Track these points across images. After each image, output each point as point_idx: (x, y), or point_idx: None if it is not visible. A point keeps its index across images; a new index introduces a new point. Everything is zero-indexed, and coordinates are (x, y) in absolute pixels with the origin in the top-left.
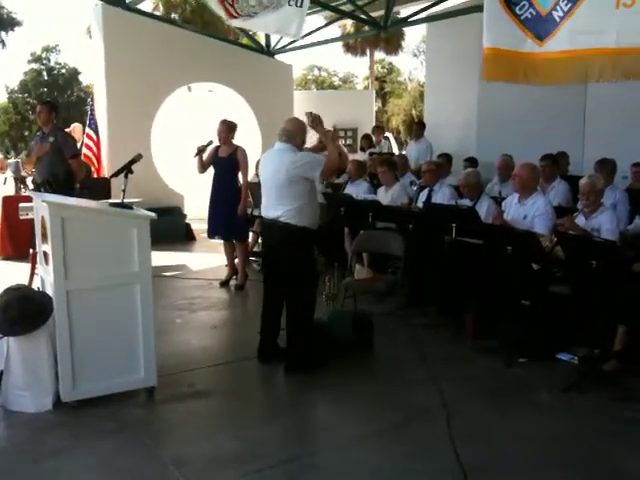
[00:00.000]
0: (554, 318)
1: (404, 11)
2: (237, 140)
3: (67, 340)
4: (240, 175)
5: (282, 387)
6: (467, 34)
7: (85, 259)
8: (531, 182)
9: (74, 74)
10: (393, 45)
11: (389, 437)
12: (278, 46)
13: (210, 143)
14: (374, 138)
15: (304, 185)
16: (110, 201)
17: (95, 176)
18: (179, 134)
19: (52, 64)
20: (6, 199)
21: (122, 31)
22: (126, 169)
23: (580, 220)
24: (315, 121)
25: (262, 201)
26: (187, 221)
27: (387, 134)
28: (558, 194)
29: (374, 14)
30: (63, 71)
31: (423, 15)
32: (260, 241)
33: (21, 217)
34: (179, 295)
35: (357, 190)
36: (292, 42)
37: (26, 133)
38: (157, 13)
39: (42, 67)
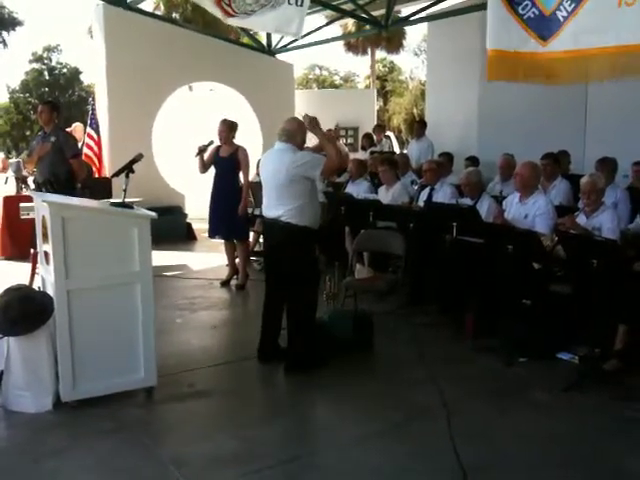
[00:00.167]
0: (555, 317)
1: (405, 10)
2: (238, 139)
3: (67, 340)
4: (241, 175)
5: (282, 387)
6: (468, 33)
7: (86, 259)
8: (532, 181)
9: (75, 74)
10: (394, 44)
11: (389, 437)
12: (279, 45)
13: (211, 143)
14: (375, 137)
15: (305, 185)
16: (111, 201)
17: (96, 176)
18: (180, 133)
19: (53, 64)
20: (7, 199)
21: (123, 31)
22: (127, 169)
23: (581, 219)
24: (312, 123)
25: (263, 201)
26: (188, 221)
27: (388, 133)
28: (559, 193)
29: (375, 13)
30: (64, 71)
31: (424, 14)
32: (261, 241)
33: (22, 217)
34: (180, 295)
35: (358, 189)
36: (293, 41)
37: (27, 133)
38: (158, 13)
39: (43, 67)
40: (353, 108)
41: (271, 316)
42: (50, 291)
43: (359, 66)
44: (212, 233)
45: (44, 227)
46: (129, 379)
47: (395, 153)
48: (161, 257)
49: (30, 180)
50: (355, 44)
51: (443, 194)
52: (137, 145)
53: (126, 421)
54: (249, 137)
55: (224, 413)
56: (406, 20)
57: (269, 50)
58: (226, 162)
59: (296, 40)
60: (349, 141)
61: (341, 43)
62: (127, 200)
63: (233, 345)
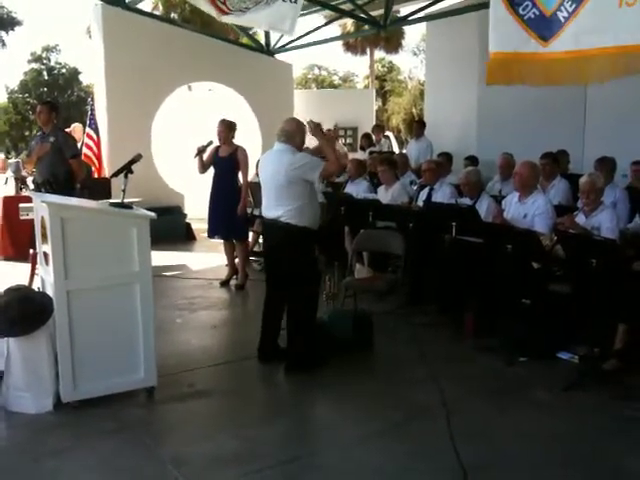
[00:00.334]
0: (554, 317)
1: (404, 10)
2: (237, 139)
3: (67, 340)
4: (240, 175)
5: (282, 387)
6: (467, 33)
7: (85, 259)
8: (531, 180)
9: (74, 74)
10: (393, 44)
11: (390, 436)
12: (278, 45)
13: (210, 143)
14: (374, 137)
15: (304, 186)
16: (110, 201)
17: (95, 176)
18: (179, 134)
19: (52, 64)
20: (6, 199)
21: (122, 31)
22: (126, 169)
23: (580, 219)
24: (317, 129)
25: (262, 201)
26: (187, 221)
27: (387, 133)
28: (558, 193)
29: (374, 13)
30: (63, 71)
31: (422, 14)
32: (260, 241)
33: (21, 217)
34: (179, 295)
35: (357, 189)
36: (292, 41)
37: (26, 133)
38: (157, 13)
39: (42, 67)
40: (352, 108)
41: (271, 316)
42: (49, 291)
43: (358, 66)
44: (211, 233)
45: (43, 227)
46: (129, 379)
47: (394, 153)
48: (160, 257)
49: (29, 180)
50: (354, 44)
51: (442, 194)
52: (136, 145)
53: (127, 421)
54: (248, 137)
55: (224, 413)
56: (405, 20)
57: (268, 50)
58: (225, 162)
59: (295, 40)
60: (348, 141)
61: (340, 43)
62: (126, 200)
63: (233, 345)
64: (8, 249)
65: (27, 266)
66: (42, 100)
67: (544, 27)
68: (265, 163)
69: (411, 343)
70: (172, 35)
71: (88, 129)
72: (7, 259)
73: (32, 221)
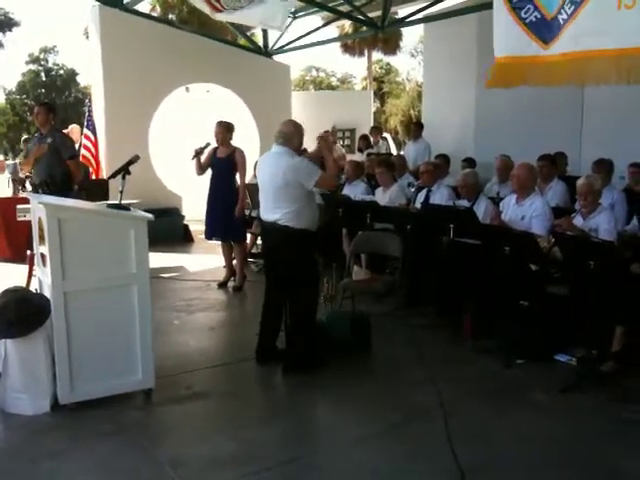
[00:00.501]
0: (552, 319)
1: (401, 11)
2: (235, 141)
3: (65, 342)
4: (238, 176)
5: (280, 388)
6: (464, 34)
7: (82, 260)
8: (529, 182)
9: (72, 75)
10: (391, 45)
11: (388, 437)
12: (276, 47)
13: (207, 145)
14: (372, 139)
15: (301, 189)
16: (108, 202)
17: (93, 177)
18: (177, 135)
19: (50, 65)
20: (4, 200)
21: (119, 32)
22: (123, 170)
23: (578, 220)
24: (327, 143)
25: (260, 204)
26: (185, 222)
27: (385, 134)
28: (556, 194)
29: (371, 14)
30: (61, 72)
31: (420, 15)
32: (258, 242)
33: (19, 219)
34: (177, 296)
35: (355, 191)
36: (290, 43)
37: (24, 134)
38: (154, 14)
39: (40, 68)
40: (350, 110)
41: (270, 317)
42: (47, 293)
43: (356, 68)
44: (209, 235)
45: (41, 229)
46: (127, 381)
47: (392, 155)
48: (158, 259)
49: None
50: (352, 45)
51: (440, 196)
52: (134, 146)
53: (125, 423)
54: (246, 138)
55: (222, 414)
56: (402, 21)
57: (266, 51)
58: (223, 163)
59: (293, 41)
60: (346, 143)
61: (338, 45)
62: (124, 202)
63: (231, 346)
64: (5, 250)
65: (24, 267)
66: (40, 101)
67: (545, 30)
68: (263, 165)
69: (409, 345)
70: (170, 36)
71: (86, 130)
72: (4, 260)
73: (29, 222)
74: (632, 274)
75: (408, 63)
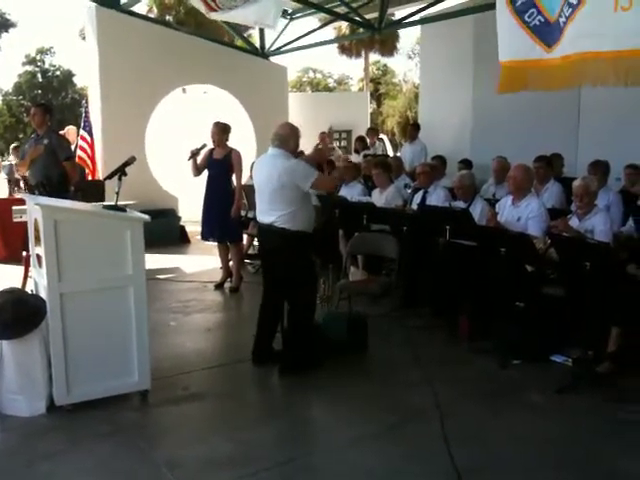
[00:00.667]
0: (548, 320)
1: (398, 13)
2: (232, 142)
3: (61, 343)
4: (234, 177)
5: (277, 389)
6: (461, 36)
7: (78, 262)
8: (525, 183)
9: (68, 76)
10: (388, 47)
11: (384, 439)
12: (273, 48)
13: (204, 146)
14: (368, 140)
15: (297, 191)
16: (104, 203)
17: (89, 178)
18: (174, 136)
19: (46, 66)
20: (0, 201)
21: (116, 33)
22: (120, 171)
23: (574, 222)
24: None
25: (257, 206)
26: (181, 223)
27: (381, 136)
28: (552, 196)
29: (368, 16)
30: (57, 73)
31: (417, 17)
32: (255, 244)
33: (15, 220)
34: (173, 298)
35: (351, 192)
36: (287, 44)
37: (20, 135)
38: (151, 15)
39: (36, 69)
40: (347, 111)
41: (267, 319)
42: (43, 294)
43: (353, 69)
44: (205, 236)
45: (36, 230)
46: (123, 382)
47: (388, 156)
48: (154, 260)
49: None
50: (349, 47)
51: (436, 197)
52: (130, 148)
53: (121, 424)
54: (243, 140)
55: (219, 416)
56: (399, 23)
57: (263, 53)
58: (219, 164)
59: (290, 43)
60: (342, 144)
61: (335, 46)
62: (120, 203)
63: (227, 348)
64: (1, 251)
65: (20, 268)
66: (36, 102)
67: (549, 33)
68: (259, 167)
69: (405, 346)
70: (167, 38)
71: (82, 131)
72: (0, 262)
73: (25, 223)
74: (628, 275)
75: (405, 64)
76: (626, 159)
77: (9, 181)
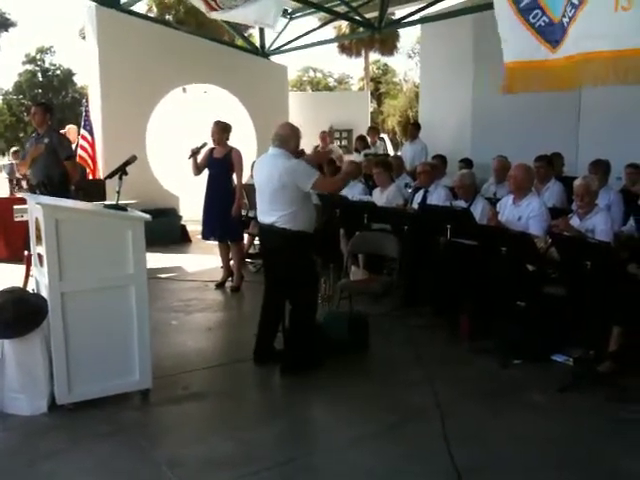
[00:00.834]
0: (549, 319)
1: (398, 12)
2: (232, 141)
3: (62, 342)
4: (234, 176)
5: (278, 389)
6: (461, 35)
7: (80, 261)
8: (526, 183)
9: (69, 75)
10: (388, 46)
11: (384, 438)
12: (273, 47)
13: (204, 145)
14: (369, 139)
15: (297, 191)
16: (105, 203)
17: (90, 178)
18: (174, 135)
19: (47, 65)
20: (1, 201)
21: (116, 32)
22: (120, 170)
23: (574, 221)
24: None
25: (257, 206)
26: (182, 222)
27: (382, 135)
28: (552, 195)
29: (368, 15)
30: (58, 72)
31: (417, 16)
32: (256, 243)
33: (16, 219)
34: (174, 297)
35: (352, 191)
36: (287, 43)
37: (21, 135)
38: (151, 15)
39: (37, 68)
40: (347, 110)
41: (269, 318)
42: (44, 293)
43: (353, 68)
44: (206, 235)
45: (38, 229)
46: (124, 381)
47: (389, 155)
48: (155, 259)
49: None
50: (349, 46)
51: (437, 196)
52: (131, 147)
53: (122, 423)
54: (243, 139)
55: (219, 415)
56: (399, 22)
57: (263, 52)
58: (219, 163)
59: (290, 42)
60: (343, 143)
61: (335, 45)
62: (121, 202)
63: (228, 347)
64: (2, 251)
65: (22, 268)
66: (36, 101)
67: (553, 34)
68: (259, 167)
69: (406, 345)
70: (167, 37)
71: (83, 131)
72: (1, 261)
73: (27, 223)
74: (629, 275)
75: (405, 64)
76: (627, 158)
77: (10, 180)
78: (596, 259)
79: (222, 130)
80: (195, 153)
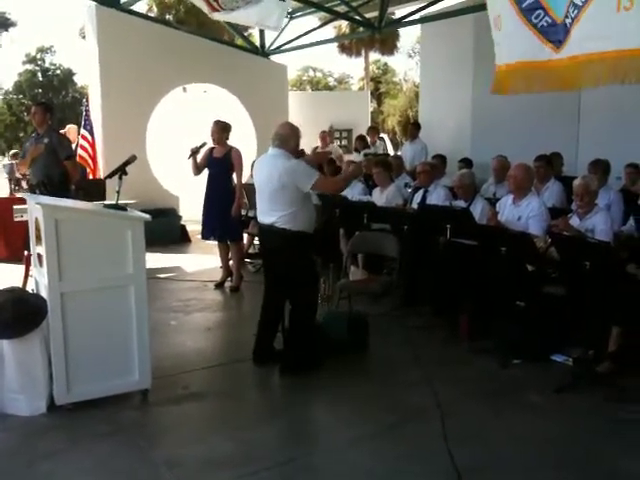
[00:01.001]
0: (548, 319)
1: (398, 12)
2: (232, 141)
3: (61, 342)
4: (234, 176)
5: (277, 389)
6: (461, 35)
7: (79, 261)
8: (525, 183)
9: (69, 75)
10: (388, 46)
11: (384, 438)
12: (273, 47)
13: (204, 145)
14: (369, 139)
15: (297, 191)
16: (105, 202)
17: (90, 177)
18: (174, 135)
19: (47, 65)
20: (1, 201)
21: (116, 32)
22: (120, 170)
23: (574, 221)
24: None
25: (257, 206)
26: (182, 222)
27: (382, 135)
28: (552, 195)
29: (368, 15)
30: (58, 72)
31: (417, 16)
32: (255, 243)
33: (16, 219)
34: (174, 297)
35: (352, 191)
36: (287, 43)
37: (21, 134)
38: (151, 14)
39: (37, 68)
40: (347, 110)
41: (269, 318)
42: (44, 293)
43: (353, 68)
44: (206, 235)
45: (37, 229)
46: (124, 382)
47: (389, 155)
48: (155, 259)
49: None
50: (349, 46)
51: (437, 196)
52: (131, 147)
53: (121, 424)
54: (243, 138)
55: (219, 415)
56: (399, 22)
57: (263, 52)
58: (219, 163)
59: (290, 42)
60: (343, 143)
61: (335, 45)
62: (121, 202)
63: (228, 347)
64: (2, 251)
65: (21, 268)
66: (37, 101)
67: (556, 34)
68: (259, 167)
69: (406, 345)
70: (167, 37)
71: (83, 130)
72: (1, 261)
73: (26, 223)
74: (628, 275)
75: (405, 63)
76: (626, 158)
77: (10, 180)
78: (596, 259)
79: (222, 130)
80: (195, 153)
